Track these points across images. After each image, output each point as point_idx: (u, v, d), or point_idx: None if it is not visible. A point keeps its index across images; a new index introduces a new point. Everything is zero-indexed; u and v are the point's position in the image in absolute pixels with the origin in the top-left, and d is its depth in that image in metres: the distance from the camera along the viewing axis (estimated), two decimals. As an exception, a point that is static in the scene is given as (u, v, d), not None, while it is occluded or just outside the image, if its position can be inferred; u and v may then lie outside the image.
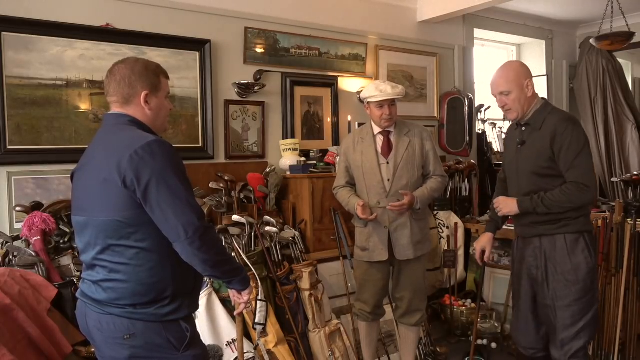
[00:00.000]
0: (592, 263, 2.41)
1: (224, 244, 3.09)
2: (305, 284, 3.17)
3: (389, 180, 2.94)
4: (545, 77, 5.82)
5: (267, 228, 3.25)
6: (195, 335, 1.74)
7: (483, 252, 2.74)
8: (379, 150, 3.00)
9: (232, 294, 1.89)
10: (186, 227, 1.54)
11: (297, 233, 3.36)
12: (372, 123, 3.06)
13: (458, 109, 4.94)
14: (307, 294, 3.17)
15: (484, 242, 2.74)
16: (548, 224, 2.42)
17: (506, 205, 2.52)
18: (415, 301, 3.04)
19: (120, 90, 1.69)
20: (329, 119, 4.15)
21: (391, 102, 2.94)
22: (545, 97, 5.76)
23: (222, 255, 1.67)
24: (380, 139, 3.02)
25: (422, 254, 3.02)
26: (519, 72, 2.44)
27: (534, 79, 2.51)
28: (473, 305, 4.03)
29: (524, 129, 2.51)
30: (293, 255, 3.31)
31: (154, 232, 1.59)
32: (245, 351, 2.73)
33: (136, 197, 1.55)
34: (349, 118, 4.12)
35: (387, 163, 2.96)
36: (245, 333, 2.88)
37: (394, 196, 2.91)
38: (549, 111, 2.44)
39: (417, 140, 3.00)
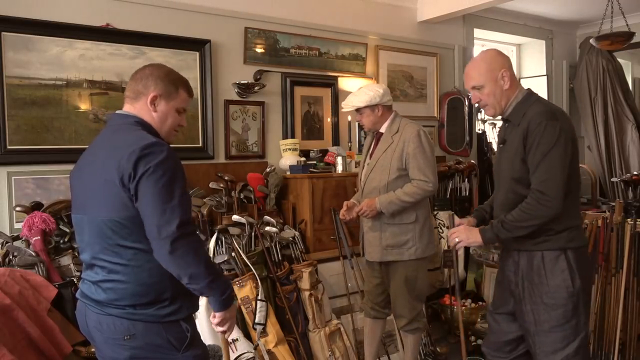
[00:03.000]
0: (573, 286, 2.07)
1: (223, 246, 3.08)
2: (305, 284, 3.17)
3: (362, 180, 3.00)
4: (545, 77, 5.81)
5: (267, 228, 3.25)
6: (196, 335, 1.74)
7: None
8: (371, 150, 3.04)
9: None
10: (161, 227, 1.51)
11: (297, 233, 3.36)
12: None
13: (458, 109, 4.94)
14: (307, 294, 3.17)
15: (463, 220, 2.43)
16: (526, 238, 2.11)
17: (467, 235, 2.16)
18: (397, 307, 2.98)
19: (134, 85, 1.73)
20: (329, 119, 4.15)
21: (357, 110, 2.97)
22: (545, 97, 5.78)
23: (198, 266, 1.56)
24: (374, 139, 3.05)
25: (395, 259, 2.89)
26: (492, 63, 2.14)
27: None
28: (473, 305, 4.03)
29: (506, 125, 2.23)
30: (293, 255, 3.30)
31: None
32: (245, 351, 2.74)
33: (130, 194, 1.54)
34: (349, 118, 4.12)
35: (368, 164, 2.99)
36: (246, 333, 2.89)
37: (367, 197, 2.94)
38: (531, 103, 2.11)
39: (401, 142, 2.88)
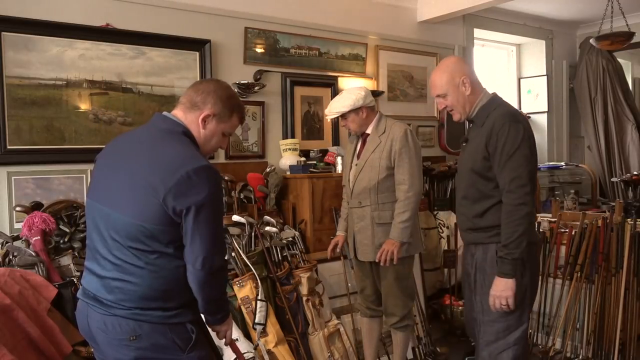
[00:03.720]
0: (521, 278, 2.15)
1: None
2: (304, 289, 3.17)
3: (350, 181, 2.99)
4: (545, 77, 5.82)
5: (267, 228, 3.25)
6: (200, 336, 1.72)
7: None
8: (357, 151, 3.03)
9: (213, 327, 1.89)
10: (205, 259, 1.57)
11: (297, 233, 3.36)
12: None
13: (458, 109, 4.93)
14: (305, 299, 3.17)
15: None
16: (481, 231, 2.25)
17: (502, 290, 2.13)
18: (389, 305, 2.99)
19: (193, 96, 1.71)
20: (329, 120, 4.14)
21: (341, 115, 2.96)
22: (546, 97, 5.78)
23: (220, 294, 1.73)
24: (360, 140, 3.04)
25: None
26: (452, 71, 2.26)
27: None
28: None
29: (470, 125, 2.37)
30: (289, 256, 3.30)
31: (178, 240, 1.59)
32: (245, 351, 2.73)
33: (170, 213, 1.54)
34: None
35: (356, 165, 2.98)
36: (246, 333, 2.89)
37: (356, 198, 2.94)
38: (495, 107, 2.24)
39: (389, 141, 2.86)
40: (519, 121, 2.15)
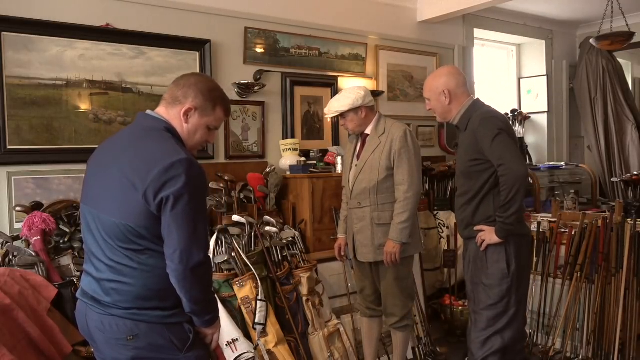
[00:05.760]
0: (508, 269, 2.41)
1: (223, 246, 3.08)
2: (304, 289, 3.17)
3: (350, 182, 2.99)
4: (545, 77, 5.81)
5: (267, 228, 3.25)
6: (198, 336, 1.72)
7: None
8: (357, 151, 3.02)
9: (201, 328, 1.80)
10: (183, 253, 1.53)
11: (297, 233, 3.36)
12: None
13: (458, 109, 4.93)
14: (305, 299, 3.17)
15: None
16: (473, 226, 2.51)
17: (489, 237, 2.44)
18: (388, 305, 2.99)
19: (174, 90, 1.70)
20: (329, 119, 4.14)
21: (340, 115, 2.96)
22: (546, 97, 5.78)
23: (203, 294, 1.65)
24: (360, 141, 3.03)
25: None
26: (439, 83, 2.54)
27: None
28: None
29: (458, 131, 2.62)
30: (289, 256, 3.30)
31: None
32: (245, 351, 2.73)
33: (152, 209, 1.53)
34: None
35: (356, 165, 2.98)
36: (245, 333, 2.89)
37: (356, 199, 2.94)
38: (474, 111, 2.49)
39: (388, 141, 2.87)
40: (491, 118, 2.41)
